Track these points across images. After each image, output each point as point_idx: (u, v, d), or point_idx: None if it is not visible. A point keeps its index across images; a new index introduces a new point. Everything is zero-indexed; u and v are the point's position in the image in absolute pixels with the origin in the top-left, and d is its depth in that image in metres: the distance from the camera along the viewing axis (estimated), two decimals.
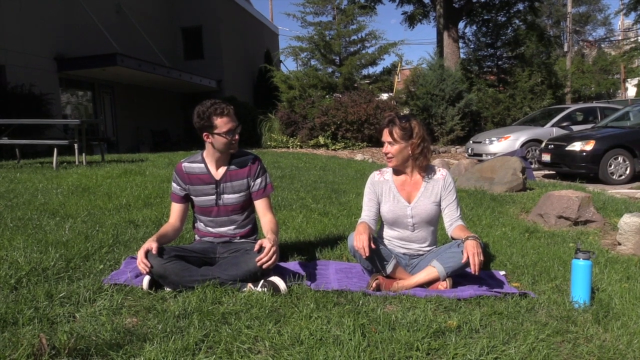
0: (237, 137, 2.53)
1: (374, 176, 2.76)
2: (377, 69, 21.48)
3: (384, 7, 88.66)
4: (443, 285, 2.50)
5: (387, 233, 2.77)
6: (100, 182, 5.10)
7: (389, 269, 2.56)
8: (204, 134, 2.51)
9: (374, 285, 2.46)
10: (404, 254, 2.72)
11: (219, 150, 2.55)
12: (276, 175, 6.10)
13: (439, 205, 2.68)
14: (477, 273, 2.33)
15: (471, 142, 11.86)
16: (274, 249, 2.34)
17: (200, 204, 2.64)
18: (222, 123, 2.46)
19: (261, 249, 2.34)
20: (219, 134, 2.47)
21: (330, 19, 15.95)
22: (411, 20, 19.41)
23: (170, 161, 7.27)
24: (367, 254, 2.39)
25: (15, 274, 2.36)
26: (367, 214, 2.70)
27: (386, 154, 2.64)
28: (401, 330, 1.90)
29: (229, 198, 2.61)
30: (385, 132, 2.61)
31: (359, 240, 2.40)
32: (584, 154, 8.16)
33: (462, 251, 2.45)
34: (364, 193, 2.76)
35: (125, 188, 4.78)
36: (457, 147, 13.85)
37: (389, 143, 2.61)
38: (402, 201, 2.65)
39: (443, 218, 2.70)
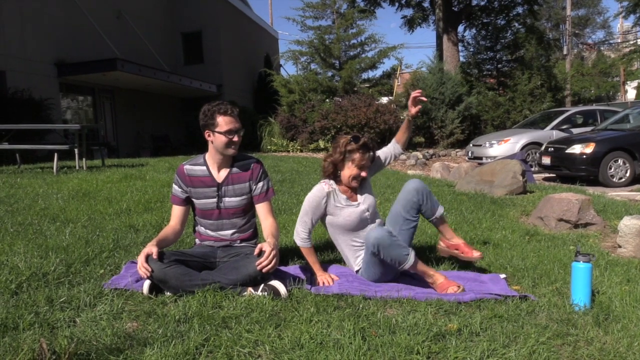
0: (236, 138, 2.54)
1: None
2: (377, 73, 21.55)
3: (383, 11, 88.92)
4: (453, 289, 2.46)
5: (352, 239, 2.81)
6: (101, 187, 5.10)
7: (412, 257, 2.48)
8: (206, 131, 2.54)
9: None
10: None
11: (218, 151, 2.56)
12: (276, 179, 6.10)
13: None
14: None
15: (471, 145, 11.87)
16: (274, 252, 2.34)
17: (202, 207, 2.64)
18: (223, 122, 2.50)
19: (261, 253, 2.35)
20: (219, 133, 2.50)
21: (330, 23, 16.03)
22: (411, 24, 19.47)
23: (171, 166, 7.28)
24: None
25: (15, 279, 2.37)
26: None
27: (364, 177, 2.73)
28: (401, 334, 1.90)
29: (230, 201, 2.62)
30: (367, 156, 2.71)
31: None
32: (584, 156, 8.16)
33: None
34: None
35: (125, 193, 4.79)
36: (457, 150, 13.85)
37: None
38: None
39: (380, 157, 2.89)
